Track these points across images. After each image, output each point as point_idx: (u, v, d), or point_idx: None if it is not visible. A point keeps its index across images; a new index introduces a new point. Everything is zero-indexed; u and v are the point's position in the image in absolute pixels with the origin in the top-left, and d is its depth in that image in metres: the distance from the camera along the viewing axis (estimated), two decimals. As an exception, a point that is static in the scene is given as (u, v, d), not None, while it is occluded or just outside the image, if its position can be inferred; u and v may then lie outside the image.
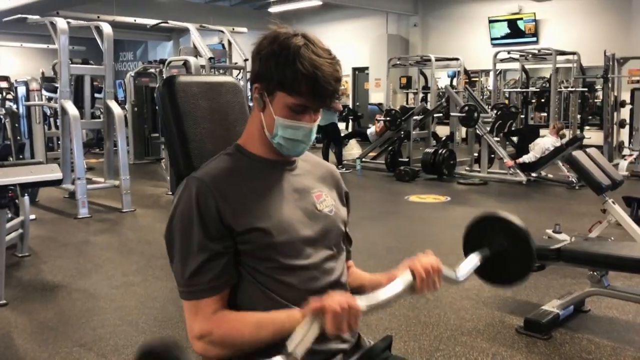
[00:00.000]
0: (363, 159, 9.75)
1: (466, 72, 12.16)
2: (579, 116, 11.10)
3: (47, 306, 3.60)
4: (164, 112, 1.41)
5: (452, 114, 8.93)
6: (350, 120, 14.90)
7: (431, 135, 10.07)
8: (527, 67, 12.05)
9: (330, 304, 1.05)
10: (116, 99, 7.83)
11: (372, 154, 10.16)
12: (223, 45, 9.28)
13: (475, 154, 8.96)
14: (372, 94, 16.00)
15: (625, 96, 9.97)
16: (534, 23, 13.41)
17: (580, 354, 2.85)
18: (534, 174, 8.09)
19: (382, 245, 4.93)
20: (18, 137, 7.19)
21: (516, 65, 12.26)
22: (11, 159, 6.28)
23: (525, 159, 8.01)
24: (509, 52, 11.65)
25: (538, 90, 12.75)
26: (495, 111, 8.86)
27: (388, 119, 9.24)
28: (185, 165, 1.39)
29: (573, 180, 7.62)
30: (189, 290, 1.22)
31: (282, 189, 1.29)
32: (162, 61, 10.33)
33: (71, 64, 6.54)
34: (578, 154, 4.33)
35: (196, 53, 7.29)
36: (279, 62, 1.20)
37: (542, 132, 9.34)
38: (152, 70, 10.49)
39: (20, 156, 6.69)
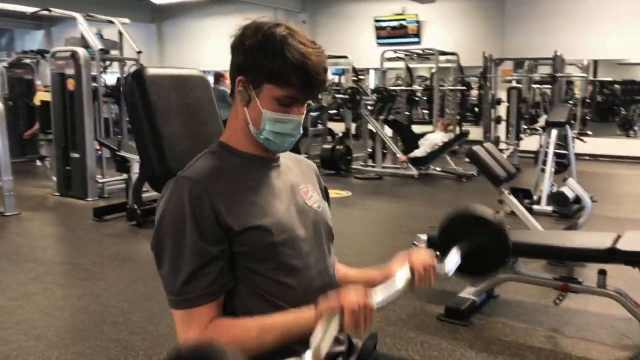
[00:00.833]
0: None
1: (354, 70, 12.51)
2: (457, 113, 11.81)
3: None
4: (134, 108, 1.30)
5: (336, 95, 9.11)
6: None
7: (327, 131, 10.23)
8: (410, 66, 12.62)
9: (347, 302, 1.03)
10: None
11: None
12: (101, 35, 8.76)
13: (369, 150, 9.24)
14: (263, 91, 15.89)
15: (501, 95, 10.77)
16: (417, 24, 14.04)
17: (498, 337, 3.04)
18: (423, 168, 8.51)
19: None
20: None
21: (400, 64, 12.79)
22: None
23: (417, 153, 8.40)
24: (395, 52, 12.11)
25: (422, 88, 13.43)
26: (375, 94, 9.18)
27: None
28: (159, 164, 1.29)
29: (463, 173, 8.12)
30: (182, 298, 1.13)
31: (273, 187, 1.24)
32: (41, 52, 9.58)
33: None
34: (477, 149, 4.59)
35: (84, 44, 6.81)
36: (267, 53, 1.14)
37: (423, 128, 9.89)
38: (28, 61, 9.65)
39: None
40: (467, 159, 5.94)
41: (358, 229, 5.42)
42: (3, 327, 3.15)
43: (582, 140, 8.34)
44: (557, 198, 4.91)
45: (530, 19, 11.72)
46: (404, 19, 14.31)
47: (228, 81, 1.25)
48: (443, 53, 11.42)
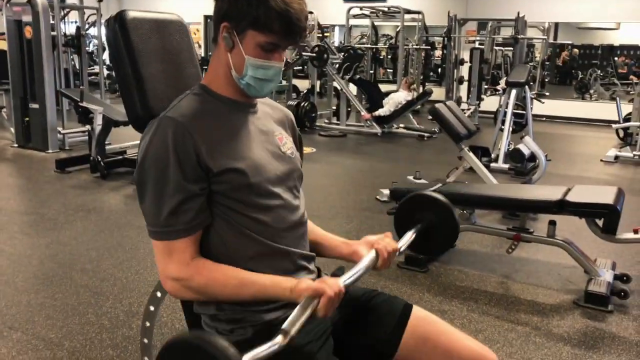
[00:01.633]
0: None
1: (320, 26, 12.41)
2: (421, 72, 11.92)
3: None
4: (117, 51, 1.34)
5: (302, 53, 9.04)
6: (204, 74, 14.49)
7: (292, 88, 10.21)
8: (375, 24, 12.60)
9: (327, 290, 1.11)
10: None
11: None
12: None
13: (334, 107, 9.30)
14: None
15: (464, 55, 10.91)
16: (381, -19, 13.94)
17: (454, 283, 3.22)
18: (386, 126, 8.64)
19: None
20: None
21: (365, 22, 12.75)
22: None
23: (381, 112, 8.52)
24: (361, 9, 12.05)
25: (386, 47, 13.45)
26: (342, 53, 9.19)
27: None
28: (142, 106, 1.35)
29: (425, 132, 8.30)
30: (163, 230, 1.20)
31: (250, 131, 1.31)
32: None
33: None
34: (440, 107, 4.73)
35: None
36: (251, 1, 1.18)
37: (387, 87, 9.98)
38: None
39: None
40: (429, 117, 6.10)
41: (323, 183, 5.54)
42: (-30, 274, 3.18)
43: (540, 101, 8.59)
44: (513, 155, 5.11)
45: (495, -21, 11.80)
46: (370, -24, 14.18)
47: None
48: (409, 12, 11.43)
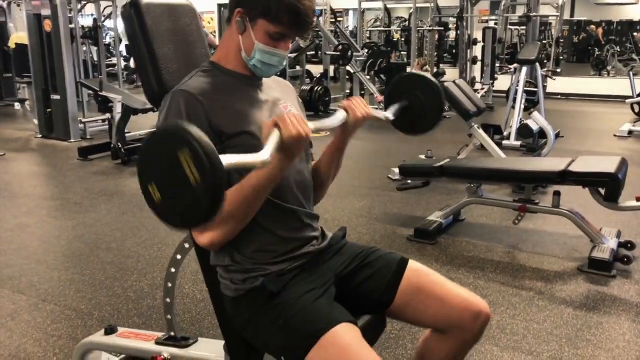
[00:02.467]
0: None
1: (332, 10, 12.47)
2: (435, 54, 11.93)
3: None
4: (133, 33, 1.48)
5: (326, 52, 9.16)
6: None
7: (305, 73, 10.31)
8: (388, 6, 12.61)
9: (281, 117, 1.22)
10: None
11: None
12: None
13: (347, 91, 9.38)
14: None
15: (477, 35, 10.89)
16: (393, -36, 13.90)
17: (462, 253, 3.35)
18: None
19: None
20: None
21: (377, 5, 12.77)
22: None
23: (393, 93, 8.57)
24: (374, -9, 12.08)
25: (399, 29, 13.46)
26: (366, 50, 9.28)
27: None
28: (157, 83, 1.49)
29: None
30: None
31: (257, 100, 1.45)
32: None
33: None
34: (449, 85, 4.81)
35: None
36: None
37: (407, 69, 9.99)
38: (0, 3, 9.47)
39: None
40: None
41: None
42: (3, 254, 3.37)
43: (551, 78, 8.57)
44: (521, 130, 5.18)
45: (507, -43, 11.70)
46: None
47: None
48: (421, -7, 11.44)
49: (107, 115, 5.85)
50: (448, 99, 4.84)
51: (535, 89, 7.17)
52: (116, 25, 8.36)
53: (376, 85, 9.11)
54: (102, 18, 8.60)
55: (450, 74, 11.04)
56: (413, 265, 1.54)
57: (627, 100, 7.85)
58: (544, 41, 10.80)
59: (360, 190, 4.72)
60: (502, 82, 10.06)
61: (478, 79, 10.72)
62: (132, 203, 4.32)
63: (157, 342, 1.86)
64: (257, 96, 1.45)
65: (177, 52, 1.54)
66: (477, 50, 10.85)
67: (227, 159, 1.07)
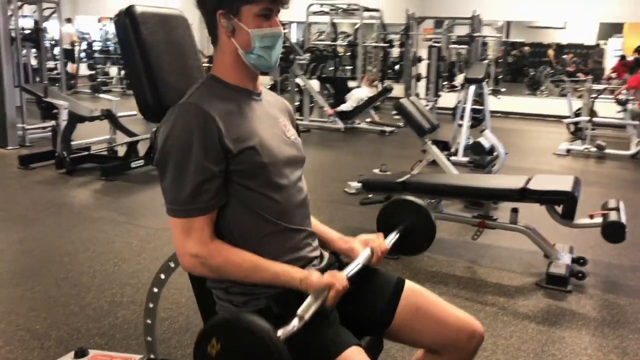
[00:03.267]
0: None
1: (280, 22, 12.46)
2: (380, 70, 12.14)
3: None
4: (127, 44, 1.42)
5: None
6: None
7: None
8: (334, 21, 12.76)
9: (336, 284, 1.26)
10: None
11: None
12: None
13: (297, 103, 9.39)
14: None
15: (422, 53, 11.17)
16: (341, -21, 14.09)
17: (424, 268, 3.39)
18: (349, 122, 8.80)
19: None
20: None
21: (322, 19, 12.90)
22: None
23: (343, 107, 8.67)
24: (321, 5, 12.18)
25: (345, 44, 13.60)
26: (309, 54, 9.33)
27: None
28: (152, 96, 1.42)
29: (386, 128, 8.50)
30: (183, 208, 1.28)
31: (259, 116, 1.41)
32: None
33: None
34: (404, 102, 4.90)
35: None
36: None
37: (350, 83, 10.15)
38: None
39: None
40: (394, 112, 6.26)
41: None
42: (-56, 269, 3.15)
43: (496, 96, 8.88)
44: (474, 147, 5.33)
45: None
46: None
47: None
48: (367, 9, 11.63)
49: (53, 122, 5.59)
50: (403, 116, 4.93)
51: (481, 107, 7.42)
52: (61, 27, 8.02)
53: (325, 99, 9.16)
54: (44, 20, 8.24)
55: (395, 90, 11.26)
56: (410, 285, 1.54)
57: (565, 120, 8.24)
58: (484, 61, 11.18)
59: (318, 203, 4.70)
60: (445, 99, 10.35)
61: (422, 95, 10.97)
62: (82, 215, 4.13)
63: (138, 366, 1.77)
64: (257, 112, 1.42)
65: (172, 64, 1.48)
66: (421, 68, 11.14)
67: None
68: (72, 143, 5.60)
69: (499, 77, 12.52)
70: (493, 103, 9.29)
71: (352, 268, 1.38)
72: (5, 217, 4.10)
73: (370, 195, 4.18)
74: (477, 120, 7.64)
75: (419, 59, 11.03)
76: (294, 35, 16.00)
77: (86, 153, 5.70)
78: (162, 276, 1.66)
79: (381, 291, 1.50)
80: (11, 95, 6.39)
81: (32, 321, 2.61)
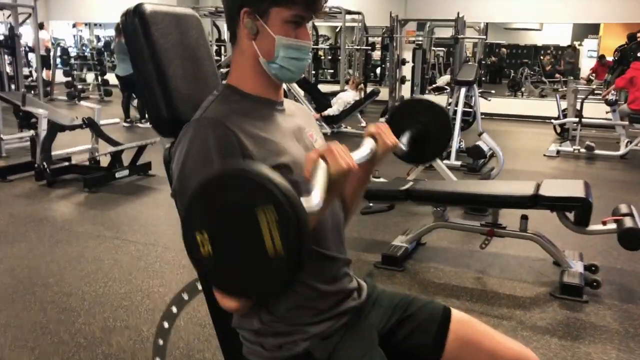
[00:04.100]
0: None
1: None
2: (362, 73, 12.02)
3: None
4: (137, 47, 1.23)
5: None
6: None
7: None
8: (315, 24, 12.61)
9: (329, 149, 1.05)
10: None
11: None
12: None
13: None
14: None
15: (405, 55, 11.08)
16: (321, -18, 13.96)
17: (432, 280, 3.24)
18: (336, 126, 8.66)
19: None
20: None
21: (306, 22, 12.74)
22: None
23: (330, 112, 8.51)
24: (302, 9, 12.02)
25: (327, 47, 13.50)
26: None
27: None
28: (166, 107, 1.24)
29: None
30: None
31: (284, 129, 1.24)
32: None
33: None
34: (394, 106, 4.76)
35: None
36: None
37: (329, 88, 10.02)
38: None
39: None
40: (381, 117, 6.10)
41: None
42: None
43: (486, 99, 8.82)
44: (473, 151, 5.21)
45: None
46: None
47: None
48: (349, 12, 11.50)
49: (31, 132, 5.32)
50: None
51: (470, 109, 7.33)
52: (37, 34, 7.72)
53: (311, 104, 9.00)
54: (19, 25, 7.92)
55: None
56: (457, 315, 1.37)
57: (554, 122, 8.20)
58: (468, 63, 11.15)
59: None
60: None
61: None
62: (65, 230, 3.89)
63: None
64: (282, 124, 1.24)
65: (187, 70, 1.30)
66: (405, 70, 11.04)
67: None
68: (53, 153, 5.34)
69: (482, 78, 12.51)
70: (481, 105, 9.25)
71: (357, 152, 1.20)
72: (-17, 235, 3.85)
73: (370, 204, 4.02)
74: (467, 123, 7.56)
75: (403, 62, 10.93)
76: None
77: (67, 164, 5.44)
78: (174, 309, 1.48)
79: (426, 324, 1.34)
80: (-15, 103, 6.09)
81: (19, 352, 2.39)
